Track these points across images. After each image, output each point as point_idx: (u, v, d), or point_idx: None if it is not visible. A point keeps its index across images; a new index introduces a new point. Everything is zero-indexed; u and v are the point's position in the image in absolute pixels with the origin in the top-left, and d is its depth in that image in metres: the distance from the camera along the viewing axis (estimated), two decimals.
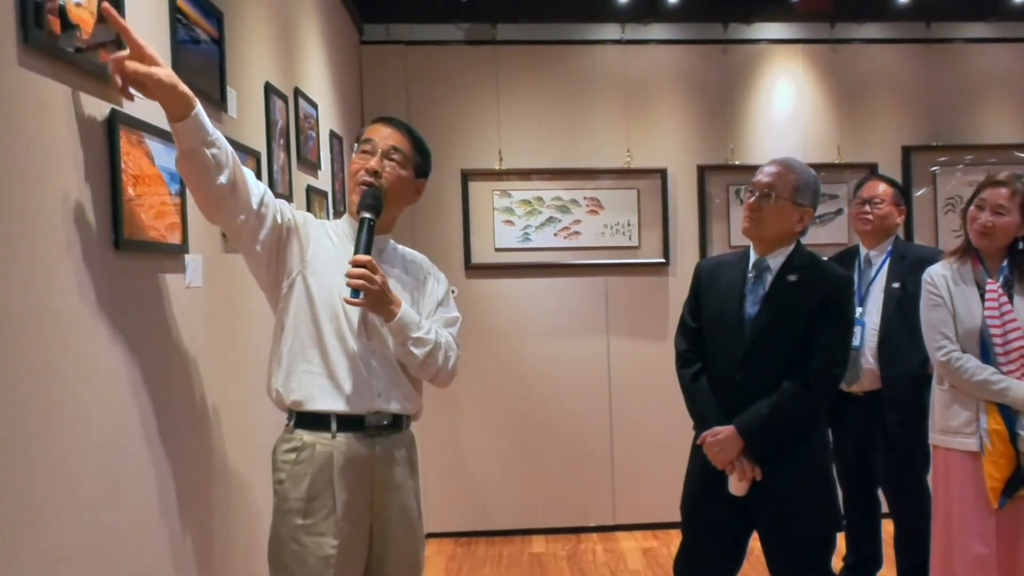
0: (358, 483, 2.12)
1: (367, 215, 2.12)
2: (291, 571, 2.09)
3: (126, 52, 1.69)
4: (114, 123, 1.75)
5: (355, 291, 2.02)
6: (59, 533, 1.52)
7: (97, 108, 1.72)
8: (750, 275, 2.65)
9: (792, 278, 2.59)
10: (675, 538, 4.77)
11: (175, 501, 2.01)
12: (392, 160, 2.20)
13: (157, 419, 1.93)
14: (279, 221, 2.10)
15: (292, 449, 2.12)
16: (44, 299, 1.50)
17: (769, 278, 2.62)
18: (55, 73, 1.56)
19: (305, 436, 2.11)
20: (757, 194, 2.61)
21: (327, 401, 2.11)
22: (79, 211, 1.63)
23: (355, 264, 2.03)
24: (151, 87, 1.71)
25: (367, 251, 2.08)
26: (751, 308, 2.61)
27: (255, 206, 2.01)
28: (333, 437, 2.10)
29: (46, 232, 1.51)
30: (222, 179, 1.87)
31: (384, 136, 2.21)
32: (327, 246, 2.20)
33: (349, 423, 2.12)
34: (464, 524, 4.96)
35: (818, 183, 2.66)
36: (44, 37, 1.50)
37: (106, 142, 1.74)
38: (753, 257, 2.67)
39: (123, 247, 1.77)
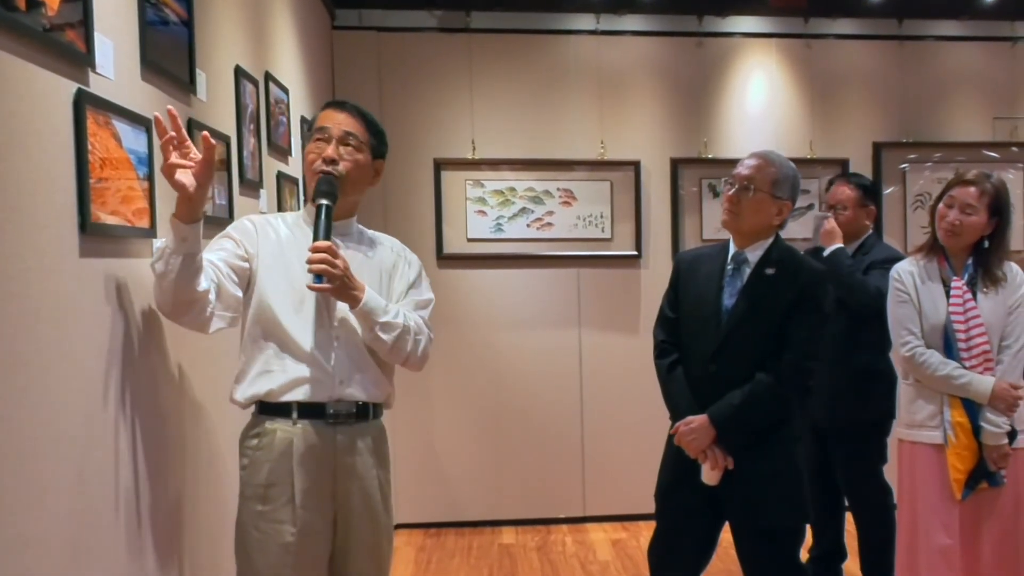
0: (319, 471, 2.11)
1: (324, 201, 2.11)
2: (251, 559, 2.10)
3: (186, 165, 1.83)
4: (80, 104, 1.72)
5: (318, 276, 2.02)
6: (24, 522, 1.49)
7: (63, 88, 1.68)
8: (729, 267, 2.66)
9: (769, 271, 2.61)
10: (644, 530, 4.81)
11: (143, 489, 1.99)
12: (348, 145, 2.19)
13: (124, 406, 1.91)
14: (238, 279, 2.12)
15: (255, 435, 2.13)
16: (7, 282, 1.46)
17: (747, 271, 2.63)
18: (20, 51, 1.53)
19: (267, 423, 2.12)
20: (736, 186, 2.62)
21: (287, 395, 2.11)
22: (44, 193, 1.60)
23: (314, 250, 2.02)
24: (189, 192, 1.83)
25: (326, 237, 2.06)
26: (728, 300, 2.62)
27: (213, 297, 2.01)
28: (294, 424, 2.10)
29: (10, 214, 1.48)
30: (203, 284, 1.93)
31: (338, 122, 2.20)
32: (276, 240, 2.19)
33: (310, 411, 2.11)
34: (434, 515, 4.95)
35: (798, 177, 2.67)
36: (9, 14, 1.47)
37: (72, 123, 1.71)
38: (732, 250, 2.68)
39: (89, 230, 1.73)
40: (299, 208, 3.55)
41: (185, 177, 1.83)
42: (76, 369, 1.70)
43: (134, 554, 1.95)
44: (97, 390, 1.79)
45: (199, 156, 1.84)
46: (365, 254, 2.27)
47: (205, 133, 1.86)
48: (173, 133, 1.83)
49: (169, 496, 2.17)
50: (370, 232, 2.36)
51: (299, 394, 2.10)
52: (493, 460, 4.97)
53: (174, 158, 1.83)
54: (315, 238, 2.06)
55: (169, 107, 1.83)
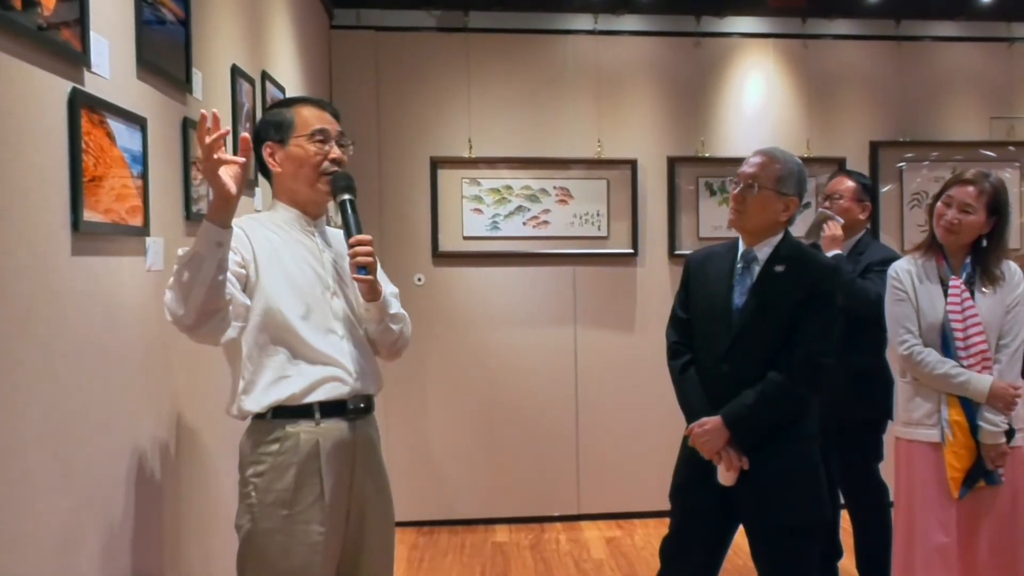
0: (341, 467, 2.11)
1: (347, 196, 2.14)
2: (274, 565, 2.03)
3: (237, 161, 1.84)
4: (75, 102, 1.72)
5: (362, 268, 2.07)
6: (11, 519, 1.49)
7: (58, 87, 1.68)
8: (738, 266, 2.63)
9: (779, 268, 2.59)
10: (639, 528, 4.82)
11: (131, 488, 1.99)
12: (343, 145, 2.22)
13: (114, 405, 1.90)
14: (241, 286, 2.07)
15: (274, 440, 2.05)
16: (0, 281, 1.46)
17: (756, 269, 2.61)
18: (15, 50, 1.52)
19: (288, 426, 2.06)
20: (741, 185, 2.61)
21: (309, 396, 2.07)
22: (37, 191, 1.60)
23: (358, 243, 2.07)
24: (231, 192, 1.82)
25: (359, 230, 2.11)
26: (738, 299, 2.60)
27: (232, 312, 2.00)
28: (317, 424, 2.07)
29: (3, 212, 1.48)
30: (228, 292, 1.92)
31: (330, 123, 2.21)
32: (267, 245, 2.13)
33: (332, 409, 2.10)
34: (427, 513, 4.94)
35: (803, 172, 2.65)
36: (5, 13, 1.47)
37: (66, 121, 1.70)
38: (741, 248, 2.66)
39: (82, 228, 1.73)
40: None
41: (227, 177, 1.82)
42: (67, 367, 1.70)
43: (124, 554, 1.95)
44: (88, 388, 1.79)
45: (235, 159, 1.84)
46: (340, 252, 2.26)
47: (245, 135, 1.87)
48: (227, 129, 1.81)
49: (160, 495, 2.17)
50: (330, 228, 2.34)
51: (320, 394, 2.08)
52: (487, 458, 4.97)
53: (219, 155, 1.81)
54: (348, 233, 2.10)
55: (214, 110, 1.80)
